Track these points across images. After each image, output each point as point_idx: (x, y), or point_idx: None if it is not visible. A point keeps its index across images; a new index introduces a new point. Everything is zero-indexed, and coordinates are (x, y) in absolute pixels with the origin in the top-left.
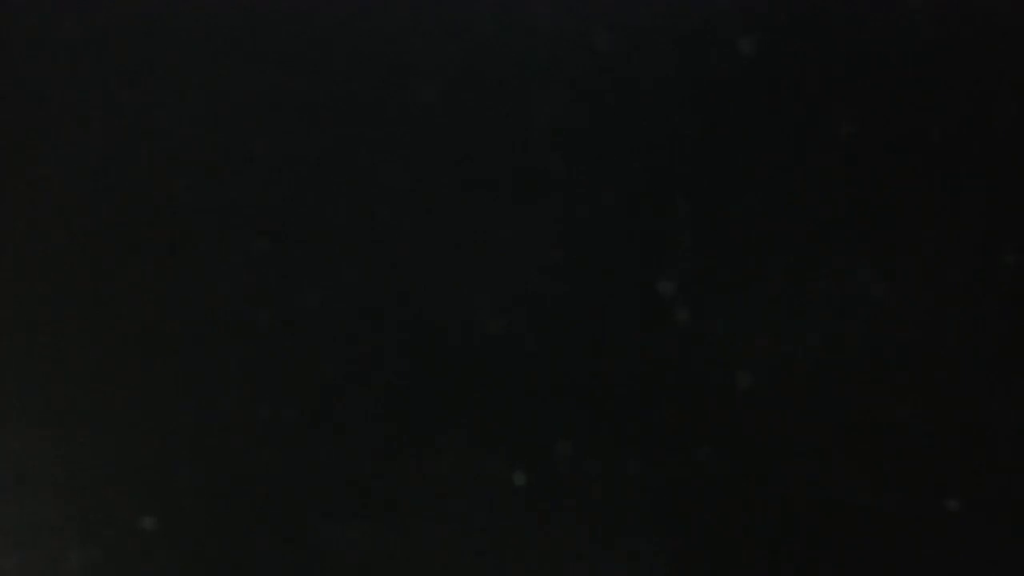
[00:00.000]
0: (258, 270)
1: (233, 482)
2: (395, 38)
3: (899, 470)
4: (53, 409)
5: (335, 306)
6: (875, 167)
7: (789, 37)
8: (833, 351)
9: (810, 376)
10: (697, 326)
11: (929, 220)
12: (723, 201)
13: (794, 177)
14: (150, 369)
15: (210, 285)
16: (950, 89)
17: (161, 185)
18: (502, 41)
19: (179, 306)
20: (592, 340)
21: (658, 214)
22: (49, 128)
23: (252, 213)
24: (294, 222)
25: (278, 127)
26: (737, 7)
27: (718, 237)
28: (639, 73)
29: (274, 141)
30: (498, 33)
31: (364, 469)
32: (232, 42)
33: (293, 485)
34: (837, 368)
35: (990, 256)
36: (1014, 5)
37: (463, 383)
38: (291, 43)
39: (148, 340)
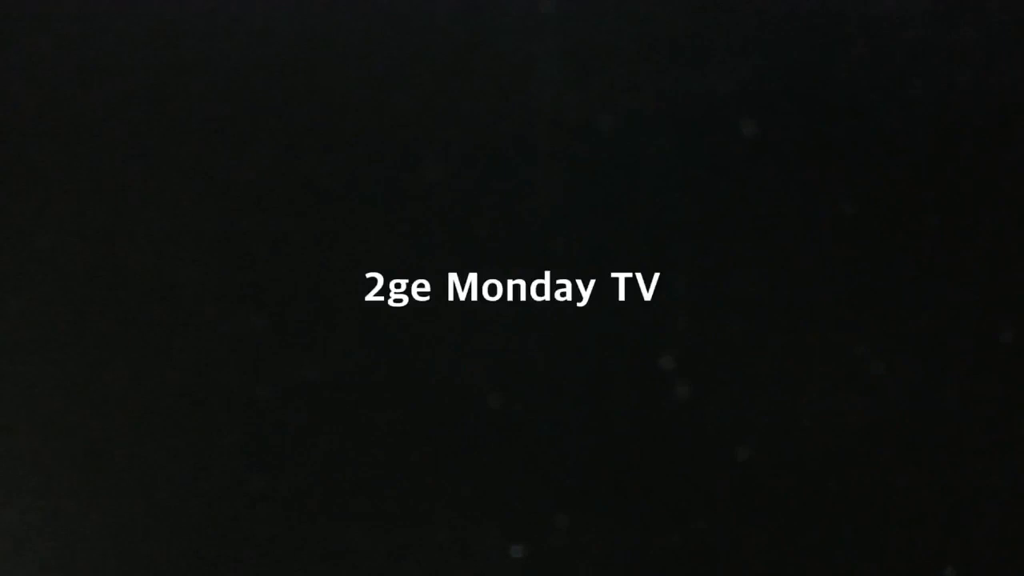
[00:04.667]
0: (252, 343)
1: (226, 553)
2: (397, 119)
3: (898, 541)
4: (46, 480)
5: (330, 379)
6: (874, 246)
7: (790, 119)
8: (831, 426)
9: (808, 451)
10: (696, 401)
11: (927, 298)
12: (722, 279)
13: (793, 255)
14: (145, 441)
15: (204, 361)
16: (950, 169)
17: (155, 259)
18: (503, 122)
19: (174, 379)
20: (591, 413)
21: (658, 292)
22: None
23: (249, 288)
24: (292, 297)
25: (278, 204)
26: (739, 89)
27: (717, 314)
28: (640, 153)
29: (274, 217)
30: (499, 114)
31: (359, 541)
32: (233, 116)
33: (287, 556)
34: (835, 443)
35: (987, 334)
36: (1018, 90)
37: (461, 455)
38: (295, 122)
39: (143, 410)
